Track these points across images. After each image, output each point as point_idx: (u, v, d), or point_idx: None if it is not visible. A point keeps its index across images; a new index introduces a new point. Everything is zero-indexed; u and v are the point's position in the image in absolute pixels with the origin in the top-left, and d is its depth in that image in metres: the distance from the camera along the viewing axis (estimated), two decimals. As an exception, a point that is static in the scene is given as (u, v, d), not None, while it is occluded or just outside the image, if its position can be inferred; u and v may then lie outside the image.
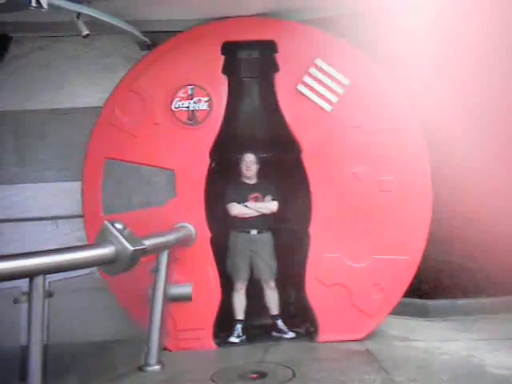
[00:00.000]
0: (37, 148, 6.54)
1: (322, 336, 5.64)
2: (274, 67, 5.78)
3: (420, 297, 6.35)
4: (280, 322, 5.98)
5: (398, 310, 5.79)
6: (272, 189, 6.04)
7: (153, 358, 5.00)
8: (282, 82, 5.76)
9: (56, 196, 6.40)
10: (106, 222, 4.19)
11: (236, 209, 5.91)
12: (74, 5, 4.88)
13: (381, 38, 5.84)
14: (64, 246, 4.24)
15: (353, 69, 5.76)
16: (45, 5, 4.33)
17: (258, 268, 5.95)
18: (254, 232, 5.94)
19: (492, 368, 4.78)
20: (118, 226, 4.19)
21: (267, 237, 6.01)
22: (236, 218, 5.93)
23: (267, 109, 6.24)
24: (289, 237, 6.18)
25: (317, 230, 5.64)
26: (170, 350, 5.47)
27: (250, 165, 6.02)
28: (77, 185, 5.80)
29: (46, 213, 6.38)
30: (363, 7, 5.91)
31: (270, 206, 5.95)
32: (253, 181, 6.09)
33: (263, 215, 5.93)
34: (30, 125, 6.53)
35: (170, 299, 5.23)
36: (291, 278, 6.13)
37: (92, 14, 5.07)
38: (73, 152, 6.17)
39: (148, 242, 4.34)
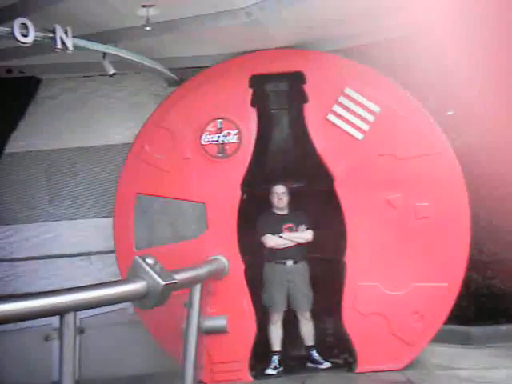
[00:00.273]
0: (69, 185, 6.63)
1: (361, 366, 5.50)
2: (302, 98, 5.77)
3: (462, 323, 6.16)
4: (315, 353, 5.88)
5: (440, 338, 5.61)
6: (304, 218, 5.98)
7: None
8: (311, 112, 5.73)
9: (89, 232, 6.46)
10: (136, 257, 4.14)
11: (272, 240, 5.85)
12: (100, 45, 4.98)
13: (410, 64, 5.81)
14: (97, 282, 4.25)
15: (382, 96, 5.69)
16: (70, 46, 4.41)
17: (295, 299, 5.87)
18: (290, 263, 5.87)
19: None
20: (150, 261, 4.14)
21: (303, 267, 5.93)
22: (271, 249, 5.87)
23: (297, 139, 6.22)
24: (325, 266, 6.08)
25: (352, 259, 5.54)
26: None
27: (281, 196, 5.98)
28: (109, 220, 5.85)
29: (80, 249, 6.45)
30: (387, 35, 5.93)
31: (305, 235, 5.87)
32: (285, 211, 6.03)
33: (298, 245, 5.86)
34: (62, 163, 6.64)
35: (205, 332, 5.16)
36: (328, 308, 6.01)
37: (118, 53, 5.15)
38: (104, 188, 6.25)
39: (180, 277, 4.27)
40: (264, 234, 5.88)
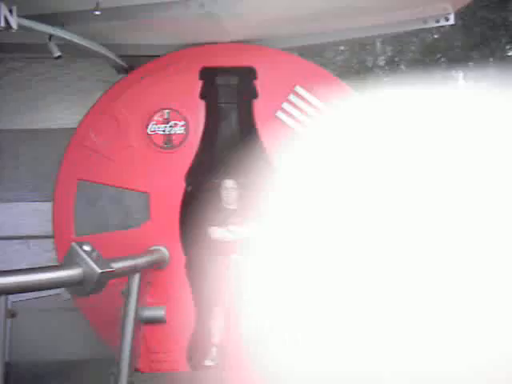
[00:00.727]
0: (10, 167, 6.53)
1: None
2: (253, 93, 5.80)
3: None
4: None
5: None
6: (253, 213, 6.04)
7: (123, 380, 4.92)
8: (260, 109, 5.77)
9: (28, 216, 6.38)
10: (73, 243, 4.12)
11: (217, 233, 5.89)
12: (46, 26, 4.88)
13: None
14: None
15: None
16: (14, 25, 4.30)
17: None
18: (234, 256, 5.91)
19: None
20: (86, 247, 4.12)
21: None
22: (216, 243, 5.89)
23: (244, 133, 6.28)
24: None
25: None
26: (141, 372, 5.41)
27: (230, 191, 5.98)
28: (50, 205, 5.77)
29: (18, 232, 6.37)
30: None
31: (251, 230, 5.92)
32: (233, 206, 6.08)
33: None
34: (4, 144, 6.51)
35: (143, 322, 5.18)
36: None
37: (65, 36, 5.06)
38: (46, 172, 6.16)
39: (117, 265, 4.26)
40: (209, 226, 5.91)
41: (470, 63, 14.09)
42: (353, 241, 5.36)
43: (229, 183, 6.02)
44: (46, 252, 6.10)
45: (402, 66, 15.43)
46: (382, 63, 15.77)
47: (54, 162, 5.84)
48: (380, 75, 15.36)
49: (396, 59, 15.48)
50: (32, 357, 4.01)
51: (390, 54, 15.64)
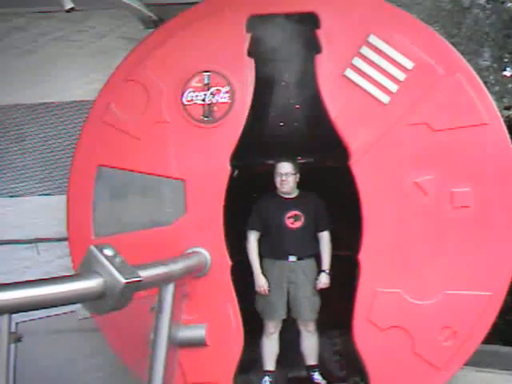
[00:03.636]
0: (13, 153, 6.70)
1: (375, 392, 5.62)
2: (314, 47, 5.78)
3: (506, 343, 6.24)
4: (317, 375, 6.02)
5: (477, 361, 5.69)
6: (318, 207, 6.10)
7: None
8: (325, 66, 5.73)
9: (36, 213, 6.54)
10: (91, 247, 4.22)
11: (249, 244, 6.03)
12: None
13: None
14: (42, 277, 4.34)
15: (418, 48, 5.72)
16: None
17: (297, 306, 5.99)
18: (292, 258, 5.98)
19: None
20: (108, 252, 4.21)
21: (310, 264, 6.05)
22: (270, 243, 6.00)
23: (306, 101, 6.25)
24: (333, 266, 6.13)
25: (369, 257, 5.60)
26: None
27: (285, 177, 6.02)
28: (62, 199, 5.91)
29: (24, 234, 6.53)
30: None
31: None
32: (292, 194, 6.12)
33: (305, 236, 5.99)
34: (5, 124, 6.70)
35: (178, 344, 5.27)
36: (336, 318, 6.11)
37: (78, -19, 5.16)
38: (58, 158, 6.31)
39: (146, 273, 4.34)
40: (251, 229, 6.03)
41: None
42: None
43: (284, 167, 6.06)
44: (58, 258, 6.27)
45: (510, 4, 14.96)
46: (482, 1, 15.31)
47: (67, 144, 5.96)
48: (480, 18, 14.95)
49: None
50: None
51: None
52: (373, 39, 5.67)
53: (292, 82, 6.52)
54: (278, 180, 6.04)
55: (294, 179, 6.06)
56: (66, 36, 6.67)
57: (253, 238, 6.02)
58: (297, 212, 6.03)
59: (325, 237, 6.06)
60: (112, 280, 4.03)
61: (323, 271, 5.99)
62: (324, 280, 5.96)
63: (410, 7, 5.81)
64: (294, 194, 6.13)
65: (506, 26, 14.41)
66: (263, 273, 5.99)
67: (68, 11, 5.16)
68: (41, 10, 6.53)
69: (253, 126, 5.90)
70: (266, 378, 5.96)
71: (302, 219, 6.02)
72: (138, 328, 4.97)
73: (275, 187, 6.10)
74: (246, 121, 5.76)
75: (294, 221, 6.01)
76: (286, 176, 6.01)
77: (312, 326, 6.03)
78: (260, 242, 6.07)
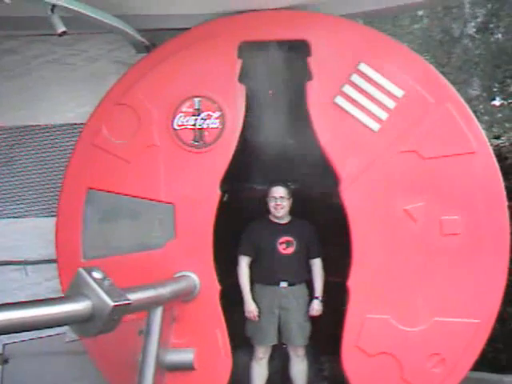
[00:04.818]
0: (3, 175, 6.69)
1: (363, 420, 5.60)
2: (305, 74, 5.83)
3: (494, 370, 6.24)
4: (306, 402, 6.01)
5: (465, 388, 5.69)
6: (310, 233, 6.14)
7: None
8: (315, 93, 5.79)
9: (25, 235, 6.53)
10: (80, 269, 4.23)
11: (240, 270, 6.03)
12: (47, -6, 5.01)
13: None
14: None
15: (408, 76, 5.79)
16: (7, -5, 4.48)
17: (288, 331, 6.01)
18: (284, 284, 6.00)
19: None
20: (97, 275, 4.22)
21: (301, 290, 6.09)
22: (262, 268, 6.02)
23: (297, 127, 6.29)
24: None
25: (358, 283, 5.61)
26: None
27: (280, 201, 6.07)
28: (52, 221, 5.91)
29: (13, 255, 6.53)
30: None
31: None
32: (284, 220, 6.15)
33: (296, 262, 6.02)
34: (-5, 146, 6.71)
35: (166, 368, 5.26)
36: (325, 344, 6.11)
37: (70, 6, 5.14)
38: (48, 180, 6.31)
39: (135, 296, 4.34)
40: (243, 254, 6.06)
41: None
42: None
43: (280, 190, 6.10)
44: (46, 281, 6.25)
45: (499, 35, 15.14)
46: (472, 31, 15.50)
47: (57, 166, 5.97)
48: (469, 48, 15.11)
49: (491, 25, 15.18)
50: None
51: (481, 19, 15.37)
52: (363, 67, 5.73)
53: (283, 107, 6.57)
54: (272, 204, 6.08)
55: (289, 204, 6.10)
56: (59, 59, 6.69)
57: (244, 264, 6.03)
58: (289, 238, 6.06)
59: (317, 264, 6.09)
60: (100, 303, 4.03)
61: (316, 298, 6.01)
62: (317, 307, 5.98)
63: (401, 36, 5.85)
64: (287, 219, 6.17)
65: (495, 57, 14.59)
66: (254, 298, 6.00)
67: (60, 35, 5.18)
68: (34, 33, 6.55)
69: (243, 150, 5.94)
70: (255, 405, 5.95)
71: (294, 245, 6.04)
72: (126, 351, 4.96)
73: (267, 212, 6.13)
74: (236, 146, 5.79)
75: (286, 247, 6.04)
76: (281, 200, 6.06)
77: (302, 351, 6.04)
78: (251, 267, 6.07)
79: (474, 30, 15.38)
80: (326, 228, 6.27)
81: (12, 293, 6.13)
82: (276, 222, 6.14)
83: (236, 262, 6.07)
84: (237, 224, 6.33)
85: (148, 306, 4.82)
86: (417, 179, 5.63)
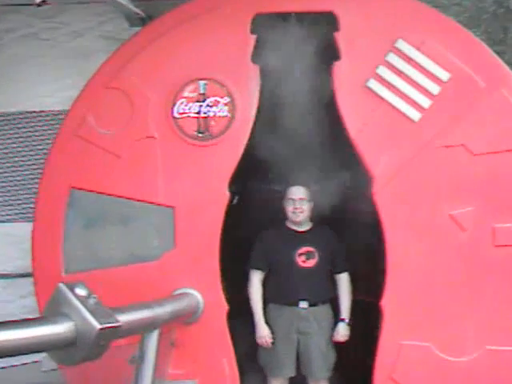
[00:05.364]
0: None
1: None
2: (332, 53, 5.83)
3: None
4: None
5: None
6: (335, 243, 6.15)
7: None
8: (344, 75, 5.79)
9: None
10: (61, 285, 4.24)
11: (251, 287, 6.02)
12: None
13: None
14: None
15: (455, 56, 5.77)
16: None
17: (308, 361, 6.00)
18: (304, 304, 5.97)
19: None
20: (80, 291, 4.23)
21: (325, 312, 6.06)
22: (277, 285, 6.00)
23: (321, 115, 6.29)
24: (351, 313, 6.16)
25: (393, 303, 5.60)
26: None
27: (299, 204, 6.06)
28: (27, 227, 5.92)
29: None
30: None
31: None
32: (304, 227, 6.14)
33: (319, 277, 5.99)
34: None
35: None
36: (351, 375, 6.13)
37: (52, -29, 5.24)
38: (23, 178, 6.33)
39: (125, 318, 4.35)
40: (255, 268, 6.04)
41: None
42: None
43: (297, 192, 6.09)
44: (21, 298, 6.26)
45: None
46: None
47: (35, 161, 5.98)
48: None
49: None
50: None
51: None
52: (401, 45, 5.73)
53: (304, 93, 6.56)
54: (289, 208, 6.07)
55: (309, 207, 6.09)
56: (36, 33, 6.71)
57: (256, 279, 6.02)
58: (310, 248, 6.04)
59: (344, 279, 6.07)
60: (84, 325, 4.03)
61: (342, 321, 5.99)
62: (343, 332, 5.96)
63: (447, 8, 5.81)
64: (307, 226, 6.16)
65: None
66: (268, 321, 5.99)
67: (39, 5, 5.21)
68: (7, 2, 6.57)
69: (256, 144, 5.94)
70: None
71: (316, 257, 6.02)
72: (115, 383, 4.97)
73: (283, 217, 6.12)
74: (248, 138, 5.81)
75: (306, 259, 6.02)
76: (301, 203, 6.05)
77: (325, 385, 6.04)
78: (265, 283, 6.06)
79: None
80: (354, 237, 6.27)
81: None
82: (294, 230, 6.14)
83: (246, 278, 6.07)
84: (248, 231, 6.33)
85: (141, 329, 4.82)
86: (465, 179, 5.63)
